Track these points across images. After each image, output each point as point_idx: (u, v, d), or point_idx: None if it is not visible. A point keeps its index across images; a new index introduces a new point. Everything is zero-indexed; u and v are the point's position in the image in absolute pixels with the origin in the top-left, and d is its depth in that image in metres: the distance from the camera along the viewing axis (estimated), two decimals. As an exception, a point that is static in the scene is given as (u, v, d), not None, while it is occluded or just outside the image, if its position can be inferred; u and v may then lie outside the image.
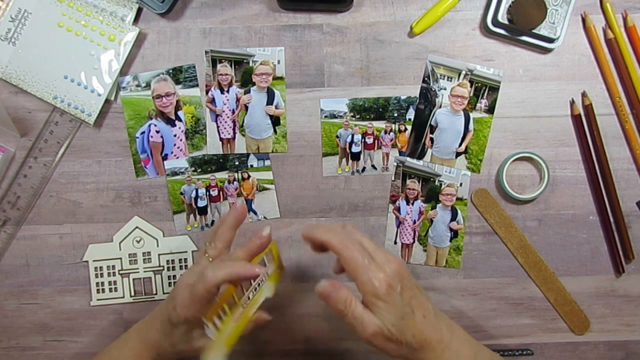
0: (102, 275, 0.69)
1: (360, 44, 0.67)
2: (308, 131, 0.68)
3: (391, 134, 0.68)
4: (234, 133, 0.68)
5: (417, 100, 0.67)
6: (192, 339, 0.55)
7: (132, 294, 0.69)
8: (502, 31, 0.66)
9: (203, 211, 0.69)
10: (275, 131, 0.68)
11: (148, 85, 0.68)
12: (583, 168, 0.68)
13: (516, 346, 0.68)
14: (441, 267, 0.69)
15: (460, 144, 0.68)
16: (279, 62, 0.67)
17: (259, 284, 0.53)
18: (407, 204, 0.68)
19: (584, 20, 0.67)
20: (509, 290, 0.69)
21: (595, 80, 0.67)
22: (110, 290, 0.69)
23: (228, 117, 0.68)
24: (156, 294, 0.69)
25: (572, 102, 0.67)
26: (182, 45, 0.68)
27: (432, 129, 0.68)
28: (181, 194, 0.68)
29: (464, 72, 0.67)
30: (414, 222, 0.68)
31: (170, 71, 0.68)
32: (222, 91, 0.68)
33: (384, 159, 0.68)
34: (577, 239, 0.68)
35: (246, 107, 0.68)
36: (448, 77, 0.67)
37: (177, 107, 0.68)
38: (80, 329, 0.69)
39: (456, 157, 0.68)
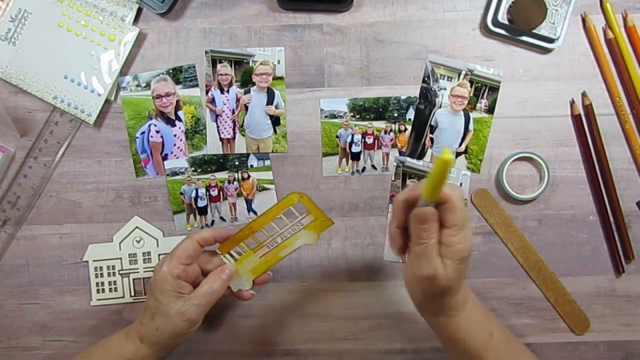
0: (102, 275, 0.69)
1: (360, 44, 0.67)
2: (308, 131, 0.68)
3: (391, 134, 0.68)
4: (234, 133, 0.68)
5: (417, 100, 0.67)
6: (173, 317, 0.56)
7: (132, 294, 0.69)
8: (502, 31, 0.66)
9: (203, 211, 0.69)
10: (275, 131, 0.68)
11: (148, 85, 0.68)
12: (583, 168, 0.68)
13: (516, 346, 0.69)
14: (441, 267, 0.69)
15: (460, 144, 0.68)
16: (279, 62, 0.67)
17: (289, 231, 0.58)
18: (407, 204, 0.68)
19: (584, 20, 0.67)
20: (509, 290, 0.69)
21: (595, 80, 0.67)
22: (110, 290, 0.69)
23: (228, 117, 0.68)
24: (156, 294, 0.69)
25: (572, 102, 0.67)
26: (182, 45, 0.68)
27: (432, 129, 0.68)
28: (181, 194, 0.68)
29: (464, 72, 0.67)
30: (414, 222, 0.68)
31: (170, 71, 0.68)
32: (222, 91, 0.68)
33: (384, 159, 0.68)
34: (577, 239, 0.68)
35: (246, 107, 0.68)
36: (448, 77, 0.67)
37: (177, 107, 0.68)
38: (80, 329, 0.69)
39: (456, 157, 0.68)
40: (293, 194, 0.57)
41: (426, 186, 0.46)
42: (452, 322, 0.54)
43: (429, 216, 0.48)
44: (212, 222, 0.69)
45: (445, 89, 0.67)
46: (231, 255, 0.59)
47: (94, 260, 0.68)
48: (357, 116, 0.68)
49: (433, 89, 0.67)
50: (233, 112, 0.68)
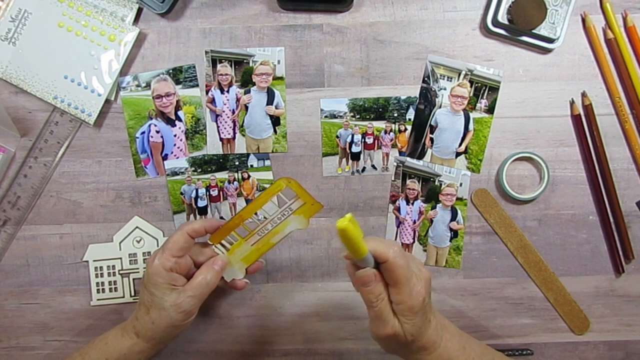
0: (102, 275, 0.69)
1: (360, 44, 0.67)
2: (308, 131, 0.68)
3: (391, 134, 0.68)
4: (234, 133, 0.68)
5: (417, 100, 0.67)
6: (168, 309, 0.56)
7: (132, 294, 0.69)
8: (502, 31, 0.66)
9: (203, 211, 0.69)
10: (275, 131, 0.68)
11: (148, 85, 0.68)
12: (583, 168, 0.68)
13: (516, 346, 0.69)
14: (441, 267, 0.69)
15: (460, 144, 0.68)
16: (279, 62, 0.67)
17: (279, 217, 0.58)
18: (407, 204, 0.68)
19: (584, 20, 0.67)
20: (509, 290, 0.69)
21: (595, 80, 0.67)
22: (111, 290, 0.69)
23: (228, 117, 0.68)
24: (156, 294, 0.69)
25: (572, 102, 0.67)
26: (182, 45, 0.68)
27: (432, 129, 0.68)
28: (181, 194, 0.68)
29: (464, 72, 0.67)
30: (414, 222, 0.68)
31: (170, 71, 0.68)
32: (222, 91, 0.68)
33: (384, 159, 0.68)
34: (577, 239, 0.68)
35: (246, 107, 0.68)
36: (448, 77, 0.67)
37: (177, 107, 0.68)
38: (80, 328, 0.69)
39: (456, 157, 0.68)
40: (281, 179, 0.57)
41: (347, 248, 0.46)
42: (427, 359, 0.53)
43: (366, 278, 0.48)
44: (212, 222, 0.69)
45: (445, 89, 0.67)
46: (222, 245, 0.59)
47: (94, 260, 0.68)
48: (357, 116, 0.68)
49: (433, 89, 0.67)
50: (233, 112, 0.68)
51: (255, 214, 0.58)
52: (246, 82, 0.68)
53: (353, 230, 0.43)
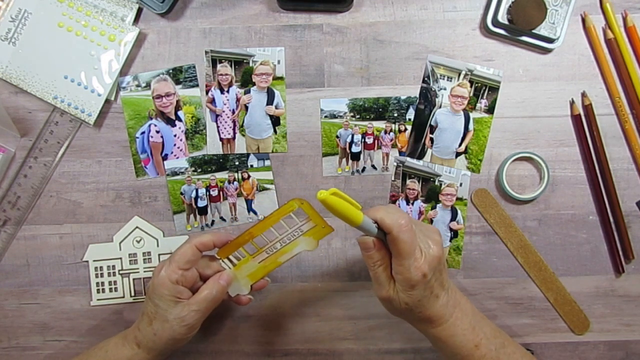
0: (102, 275, 0.69)
1: (360, 44, 0.67)
2: (308, 131, 0.68)
3: (391, 134, 0.68)
4: (234, 133, 0.68)
5: (417, 100, 0.67)
6: (172, 322, 0.56)
7: (132, 294, 0.69)
8: (502, 31, 0.66)
9: (203, 211, 0.69)
10: (275, 131, 0.68)
11: (148, 85, 0.68)
12: (583, 168, 0.68)
13: (516, 346, 0.69)
14: (441, 267, 0.69)
15: (460, 144, 0.68)
16: (279, 62, 0.67)
17: (289, 237, 0.58)
18: (407, 204, 0.68)
19: (583, 20, 0.67)
20: (509, 290, 0.69)
21: (595, 80, 0.67)
22: (111, 290, 0.69)
23: (228, 117, 0.68)
24: (156, 294, 0.69)
25: (572, 102, 0.67)
26: (182, 45, 0.68)
27: (432, 129, 0.68)
28: (181, 194, 0.68)
29: (464, 72, 0.67)
30: (414, 222, 0.68)
31: (170, 71, 0.68)
32: (222, 91, 0.68)
33: (384, 159, 0.68)
34: (577, 239, 0.68)
35: (246, 107, 0.68)
36: (448, 77, 0.67)
37: (177, 107, 0.68)
38: (80, 329, 0.69)
39: (456, 157, 0.68)
40: (294, 200, 0.56)
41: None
42: (433, 332, 0.54)
43: (366, 245, 0.51)
44: (212, 222, 0.69)
45: (445, 89, 0.67)
46: (230, 260, 0.59)
47: (94, 260, 0.68)
48: (357, 116, 0.68)
49: (433, 89, 0.67)
50: (233, 112, 0.68)
51: (266, 232, 0.58)
52: (246, 82, 0.68)
53: (335, 201, 0.45)
